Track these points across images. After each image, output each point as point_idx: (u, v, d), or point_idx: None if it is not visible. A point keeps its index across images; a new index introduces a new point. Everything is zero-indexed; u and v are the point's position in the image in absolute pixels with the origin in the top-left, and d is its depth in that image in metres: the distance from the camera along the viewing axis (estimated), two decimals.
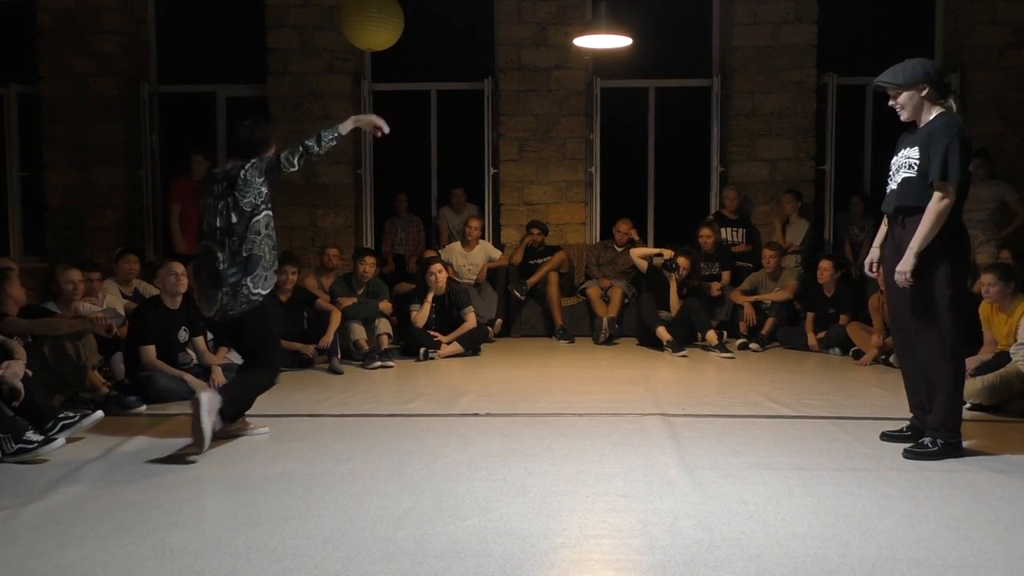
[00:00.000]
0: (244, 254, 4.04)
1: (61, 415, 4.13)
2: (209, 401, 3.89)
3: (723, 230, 8.42)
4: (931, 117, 3.82)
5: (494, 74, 8.90)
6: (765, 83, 8.66)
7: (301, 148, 4.04)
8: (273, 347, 4.31)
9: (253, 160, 4.09)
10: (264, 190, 4.10)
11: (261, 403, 5.12)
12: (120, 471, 3.70)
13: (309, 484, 3.48)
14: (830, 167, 8.62)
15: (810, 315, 7.22)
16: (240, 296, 4.06)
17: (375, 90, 9.07)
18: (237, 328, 4.18)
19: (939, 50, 8.94)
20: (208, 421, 3.87)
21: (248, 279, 4.05)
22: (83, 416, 4.17)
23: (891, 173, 3.96)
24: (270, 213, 4.13)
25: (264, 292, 4.11)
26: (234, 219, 4.03)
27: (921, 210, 3.74)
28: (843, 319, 6.99)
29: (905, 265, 3.75)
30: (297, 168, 4.06)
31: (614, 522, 3.03)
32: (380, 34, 6.79)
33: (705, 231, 8.00)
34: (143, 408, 4.87)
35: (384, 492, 3.37)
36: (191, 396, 5.04)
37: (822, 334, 7.08)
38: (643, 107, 9.11)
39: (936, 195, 3.70)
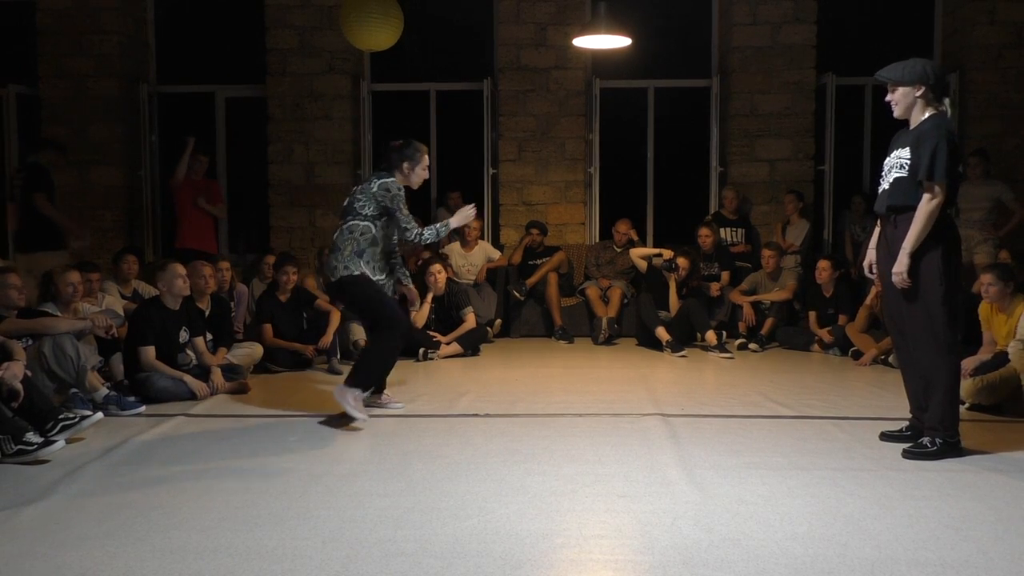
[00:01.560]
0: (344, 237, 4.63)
1: (61, 416, 4.13)
2: (341, 393, 4.45)
3: (722, 230, 8.42)
4: (923, 118, 3.84)
5: (493, 74, 8.90)
6: (764, 83, 8.67)
7: (416, 233, 4.62)
8: (381, 309, 4.61)
9: (381, 178, 4.62)
10: (373, 213, 4.61)
11: (261, 403, 5.15)
12: (120, 471, 3.70)
13: (309, 484, 3.48)
14: (829, 167, 8.63)
15: (812, 314, 7.21)
16: (345, 270, 4.60)
17: (374, 90, 9.08)
18: (341, 294, 4.73)
19: (938, 50, 8.95)
20: (351, 409, 4.42)
21: (353, 261, 4.59)
22: (83, 418, 4.18)
23: (883, 174, 3.99)
24: (370, 225, 4.61)
25: (364, 272, 4.59)
26: (347, 201, 4.70)
27: (913, 209, 3.77)
28: (842, 319, 6.99)
29: (900, 266, 3.78)
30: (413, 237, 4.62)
31: (613, 522, 3.03)
32: (380, 34, 6.78)
33: (704, 231, 8.01)
34: (142, 409, 4.87)
35: (384, 492, 3.37)
36: (192, 397, 5.12)
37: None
38: (642, 107, 9.12)
39: (925, 196, 3.73)
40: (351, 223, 4.61)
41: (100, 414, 4.27)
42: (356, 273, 4.56)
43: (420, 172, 4.73)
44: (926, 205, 3.72)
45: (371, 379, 4.61)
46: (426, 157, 4.75)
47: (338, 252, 4.60)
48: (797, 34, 8.63)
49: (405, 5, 6.91)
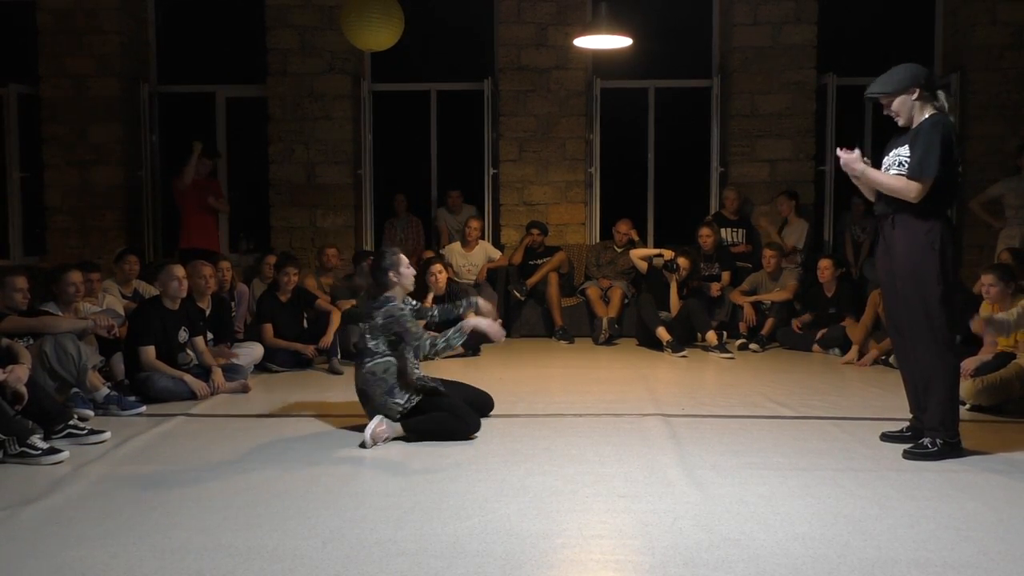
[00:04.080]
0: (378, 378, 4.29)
1: (72, 423, 4.16)
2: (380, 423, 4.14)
3: (723, 230, 8.42)
4: (924, 117, 3.84)
5: (494, 74, 8.90)
6: (765, 84, 8.66)
7: (430, 344, 4.26)
8: (449, 412, 4.32)
9: (381, 307, 4.28)
10: (386, 348, 4.30)
11: (262, 403, 5.15)
12: (120, 471, 3.70)
13: (309, 484, 3.48)
14: (830, 167, 8.62)
15: (808, 317, 7.21)
16: (388, 410, 4.27)
17: (375, 90, 9.07)
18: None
19: (939, 51, 8.94)
20: (378, 433, 4.11)
21: (391, 400, 4.27)
22: (91, 432, 4.20)
23: (883, 172, 3.97)
24: (391, 360, 4.30)
25: (405, 404, 4.28)
26: (370, 343, 4.32)
27: (912, 208, 3.75)
28: (847, 320, 6.97)
29: (852, 156, 3.83)
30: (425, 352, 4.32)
31: (614, 522, 3.03)
32: (381, 34, 6.78)
33: (705, 231, 8.00)
34: (143, 409, 4.87)
35: (384, 492, 3.37)
36: (192, 397, 5.12)
37: (822, 333, 7.08)
38: (643, 107, 9.11)
39: (912, 181, 3.73)
40: (370, 366, 4.28)
41: (108, 433, 4.25)
42: (396, 420, 4.26)
43: (406, 272, 4.40)
44: (904, 180, 3.73)
45: (422, 436, 4.23)
46: (403, 256, 4.42)
47: (371, 402, 4.30)
48: (798, 34, 8.63)
49: (405, 5, 6.90)
